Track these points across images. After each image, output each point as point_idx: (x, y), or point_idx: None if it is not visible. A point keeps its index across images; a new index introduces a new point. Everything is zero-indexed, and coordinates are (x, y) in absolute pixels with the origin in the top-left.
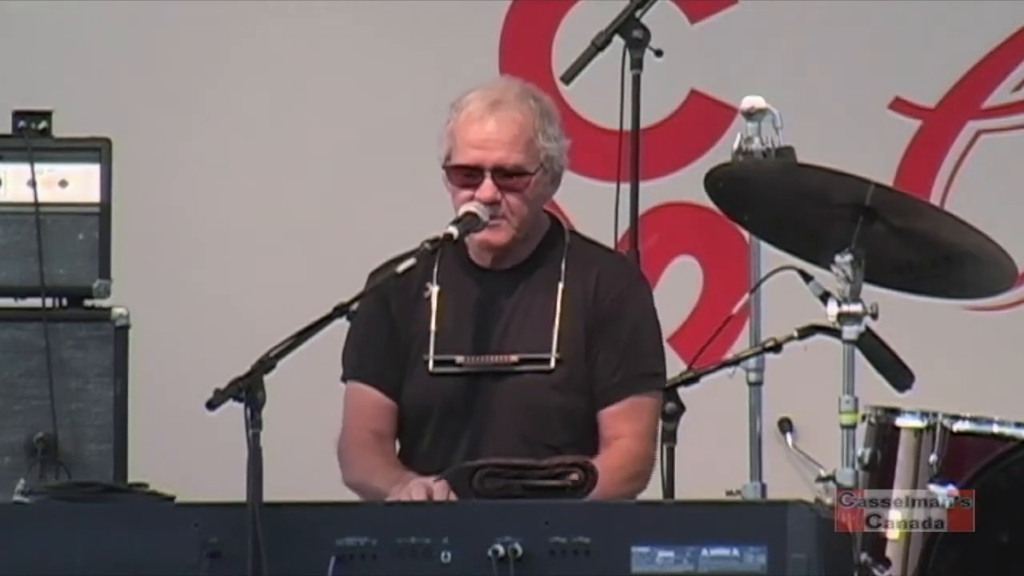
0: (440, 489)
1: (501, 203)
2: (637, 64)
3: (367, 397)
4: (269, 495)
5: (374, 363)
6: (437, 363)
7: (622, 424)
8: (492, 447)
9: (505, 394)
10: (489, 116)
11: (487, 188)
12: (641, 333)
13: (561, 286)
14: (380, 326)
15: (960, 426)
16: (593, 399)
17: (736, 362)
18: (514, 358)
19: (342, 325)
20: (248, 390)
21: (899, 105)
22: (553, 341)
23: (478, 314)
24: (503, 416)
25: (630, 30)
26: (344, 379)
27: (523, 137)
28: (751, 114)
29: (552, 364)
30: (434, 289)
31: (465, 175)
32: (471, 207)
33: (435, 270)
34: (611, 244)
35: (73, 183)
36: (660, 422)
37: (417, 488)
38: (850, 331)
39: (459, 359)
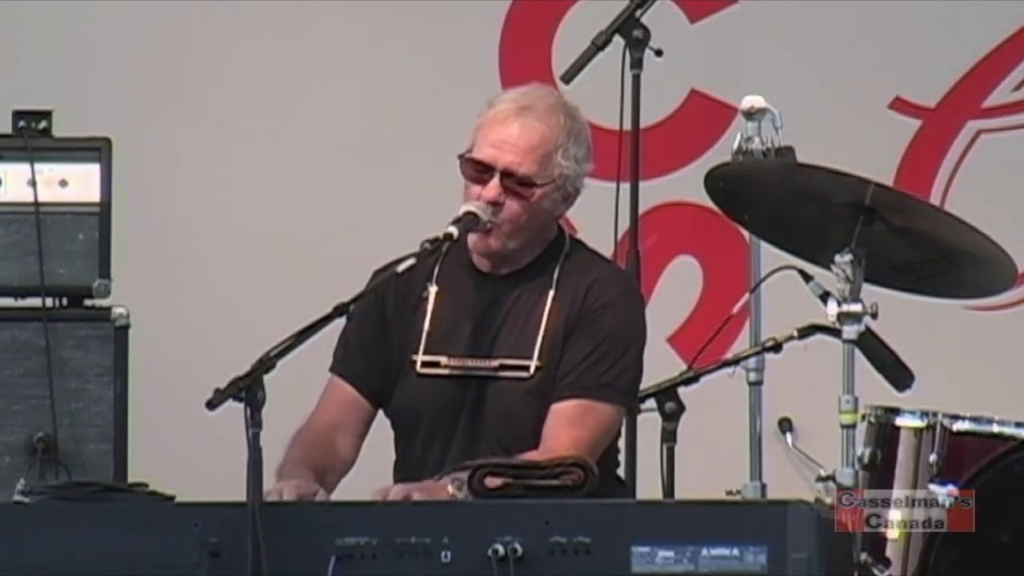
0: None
1: (504, 206)
2: (637, 64)
3: (339, 391)
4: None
5: (356, 360)
6: (424, 364)
7: (562, 429)
8: (474, 452)
9: (485, 399)
10: (514, 120)
11: (492, 188)
12: (613, 342)
13: (552, 293)
14: (371, 326)
15: (960, 426)
16: None
17: (736, 362)
18: (495, 363)
19: (342, 325)
20: (248, 390)
21: (899, 105)
22: (536, 348)
23: (471, 318)
24: (483, 422)
25: (630, 30)
26: (329, 369)
27: (541, 149)
28: (751, 114)
29: (531, 371)
30: (432, 289)
31: (477, 170)
32: (472, 207)
33: (436, 271)
34: (611, 244)
35: (73, 183)
36: (620, 438)
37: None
38: (850, 331)
39: (443, 360)
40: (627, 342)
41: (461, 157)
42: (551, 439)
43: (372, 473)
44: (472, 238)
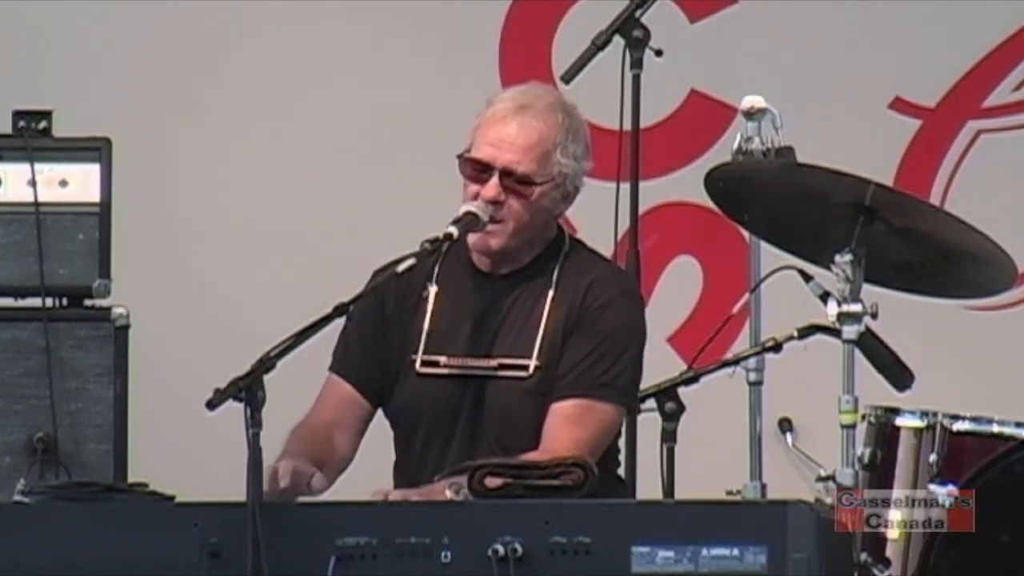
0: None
1: (504, 205)
2: (637, 64)
3: (338, 389)
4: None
5: (355, 360)
6: (424, 363)
7: (562, 428)
8: (473, 452)
9: (485, 399)
10: (512, 119)
11: (491, 187)
12: (612, 342)
13: (551, 293)
14: (371, 326)
15: (960, 426)
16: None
17: (736, 362)
18: (494, 363)
19: (342, 325)
20: (248, 390)
21: (899, 105)
22: (535, 348)
23: (470, 317)
24: (483, 421)
25: (630, 30)
26: (329, 368)
27: (540, 147)
28: (751, 114)
29: (530, 370)
30: (432, 289)
31: (476, 169)
32: (472, 207)
33: (436, 271)
34: (611, 244)
35: (73, 183)
36: (619, 437)
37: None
38: (850, 331)
39: (442, 360)
40: (627, 342)
41: (460, 156)
42: (551, 439)
43: (372, 473)
44: (472, 237)
